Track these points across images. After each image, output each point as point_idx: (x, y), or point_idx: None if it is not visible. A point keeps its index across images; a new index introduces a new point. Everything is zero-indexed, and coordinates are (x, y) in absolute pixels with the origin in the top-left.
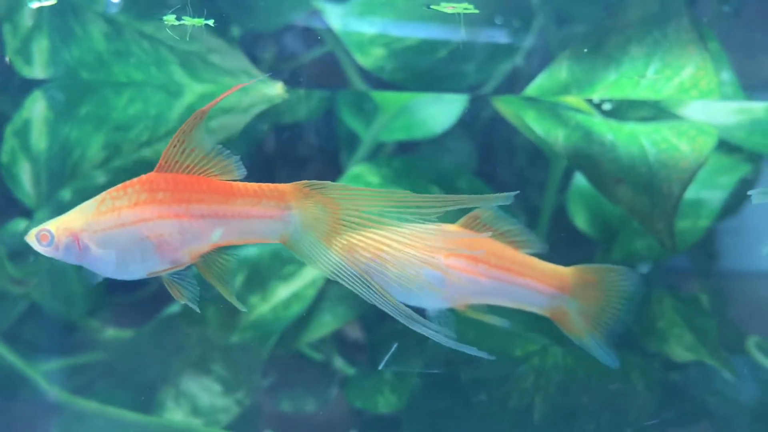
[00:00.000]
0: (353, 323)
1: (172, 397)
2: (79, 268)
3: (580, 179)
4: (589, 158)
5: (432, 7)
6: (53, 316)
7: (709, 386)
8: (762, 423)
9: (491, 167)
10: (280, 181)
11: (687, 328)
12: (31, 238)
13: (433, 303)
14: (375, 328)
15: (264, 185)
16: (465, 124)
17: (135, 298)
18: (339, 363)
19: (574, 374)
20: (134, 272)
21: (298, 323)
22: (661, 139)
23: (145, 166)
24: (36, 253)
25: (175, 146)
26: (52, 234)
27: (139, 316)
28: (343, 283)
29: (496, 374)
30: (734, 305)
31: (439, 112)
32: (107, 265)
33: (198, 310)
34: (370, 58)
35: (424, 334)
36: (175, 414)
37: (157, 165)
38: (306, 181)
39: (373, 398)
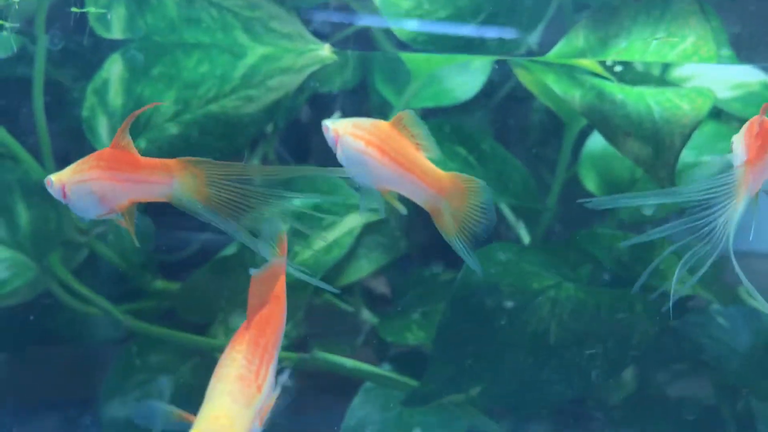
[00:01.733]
0: (379, 278)
1: (222, 332)
2: (136, 225)
3: (590, 145)
4: (602, 114)
5: None
6: (110, 266)
7: (705, 331)
8: (750, 362)
9: (509, 133)
10: (314, 146)
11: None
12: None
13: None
14: (399, 283)
15: (157, 160)
16: (486, 93)
17: (176, 258)
18: (366, 314)
19: (585, 304)
20: (91, 214)
21: (337, 267)
22: (665, 99)
23: (211, 119)
24: None
25: (118, 135)
26: (52, 182)
27: (179, 272)
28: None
29: (516, 304)
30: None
31: (465, 81)
32: (76, 207)
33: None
34: (405, 30)
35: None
36: None
37: (111, 143)
38: (186, 157)
39: (403, 334)
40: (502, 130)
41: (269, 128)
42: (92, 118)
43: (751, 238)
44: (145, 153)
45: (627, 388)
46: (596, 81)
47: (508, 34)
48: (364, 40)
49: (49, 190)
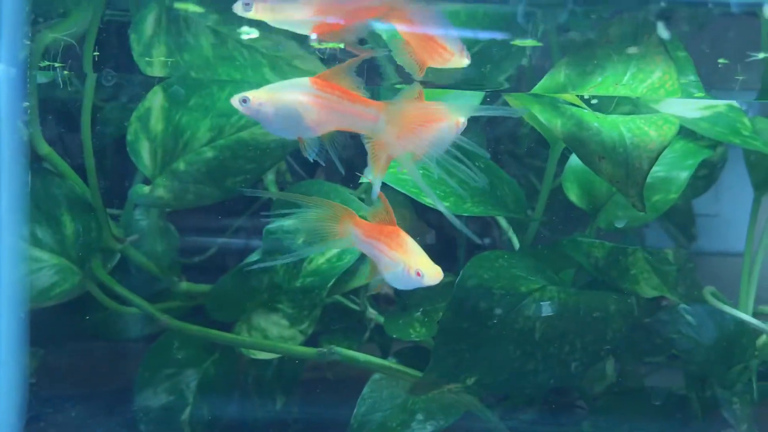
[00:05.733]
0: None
1: (245, 329)
2: (162, 231)
3: (573, 162)
4: (580, 140)
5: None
6: (140, 270)
7: (674, 327)
8: (715, 355)
9: (500, 154)
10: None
11: (654, 273)
12: (233, 101)
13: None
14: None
15: (367, 99)
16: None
17: (198, 261)
18: (372, 313)
19: (566, 305)
20: (290, 134)
21: (349, 271)
22: (635, 126)
23: (242, 144)
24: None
25: (338, 70)
26: (248, 99)
27: (200, 274)
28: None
29: (506, 305)
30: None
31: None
32: (273, 126)
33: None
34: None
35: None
36: None
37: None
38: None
39: (406, 331)
40: (495, 142)
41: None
42: (135, 142)
43: None
44: (184, 174)
45: (607, 379)
46: (575, 110)
47: (503, 67)
48: (371, 68)
49: (238, 105)
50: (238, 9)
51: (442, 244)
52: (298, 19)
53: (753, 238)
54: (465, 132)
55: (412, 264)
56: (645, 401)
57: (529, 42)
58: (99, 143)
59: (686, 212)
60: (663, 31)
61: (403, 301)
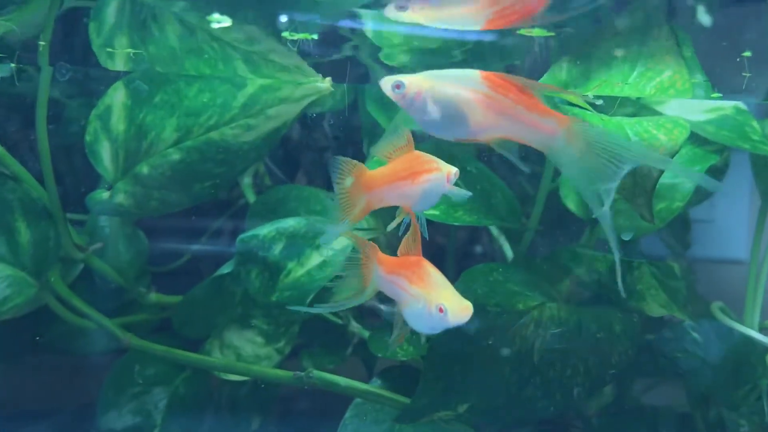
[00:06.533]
0: None
1: (217, 347)
2: (129, 239)
3: None
4: None
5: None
6: (105, 280)
7: (679, 345)
8: (722, 374)
9: (494, 159)
10: (303, 163)
11: (661, 289)
12: (385, 84)
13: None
14: (388, 298)
15: (549, 109)
16: None
17: (169, 269)
18: (355, 327)
19: (567, 324)
20: (446, 133)
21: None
22: (643, 129)
23: (212, 146)
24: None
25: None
26: (403, 84)
27: (173, 284)
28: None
29: (502, 324)
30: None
31: None
32: (427, 122)
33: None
34: (395, 59)
35: None
36: None
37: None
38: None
39: (393, 350)
40: (489, 147)
41: None
42: (95, 143)
43: None
44: (147, 179)
45: (604, 398)
46: (577, 111)
47: (494, 62)
48: (357, 65)
49: (389, 90)
50: (390, 12)
51: (428, 253)
52: (464, 13)
53: (759, 248)
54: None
55: (434, 299)
56: (644, 421)
57: (537, 32)
58: (62, 143)
59: (682, 219)
60: (704, 16)
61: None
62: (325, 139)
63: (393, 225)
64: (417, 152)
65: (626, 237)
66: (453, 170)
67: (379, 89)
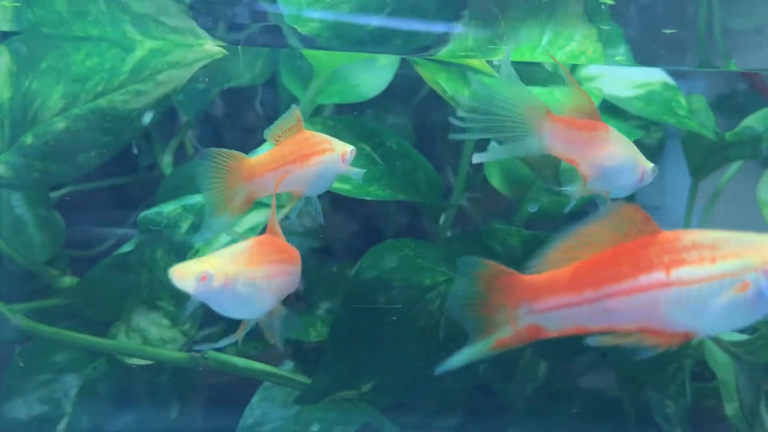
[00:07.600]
0: None
1: (124, 331)
2: (43, 221)
3: (495, 142)
4: None
5: None
6: (13, 265)
7: None
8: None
9: (423, 129)
10: (228, 140)
11: None
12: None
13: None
14: (310, 280)
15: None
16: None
17: (92, 253)
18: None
19: None
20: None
21: None
22: (553, 100)
23: (99, 113)
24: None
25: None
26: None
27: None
28: None
29: (408, 299)
30: None
31: (371, 78)
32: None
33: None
34: (307, 26)
35: None
36: None
37: None
38: None
39: (306, 330)
40: (422, 125)
41: (182, 120)
42: None
43: None
44: (31, 148)
45: (537, 380)
46: (487, 80)
47: (413, 28)
48: (275, 34)
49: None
50: None
51: (367, 235)
52: None
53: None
54: (389, 114)
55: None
56: (577, 403)
57: None
58: None
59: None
60: None
61: (310, 297)
62: (256, 118)
63: (284, 213)
64: (307, 133)
65: (532, 209)
66: (349, 149)
67: (293, 60)
